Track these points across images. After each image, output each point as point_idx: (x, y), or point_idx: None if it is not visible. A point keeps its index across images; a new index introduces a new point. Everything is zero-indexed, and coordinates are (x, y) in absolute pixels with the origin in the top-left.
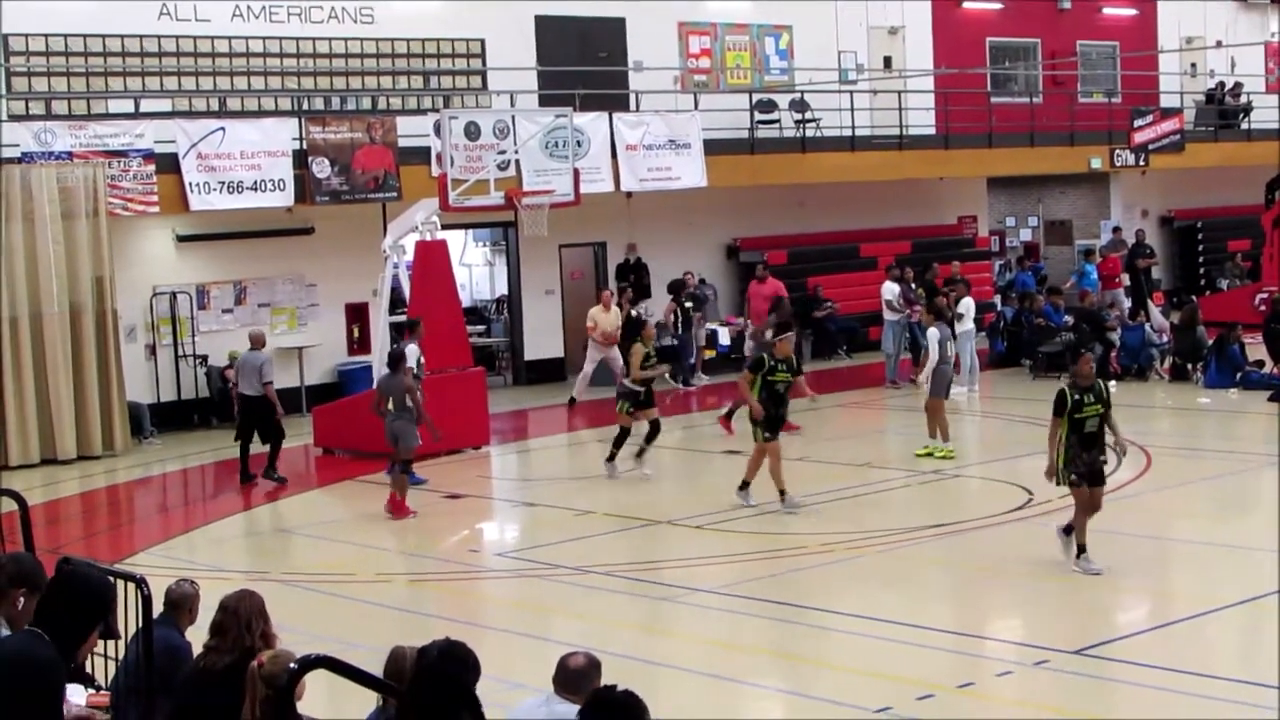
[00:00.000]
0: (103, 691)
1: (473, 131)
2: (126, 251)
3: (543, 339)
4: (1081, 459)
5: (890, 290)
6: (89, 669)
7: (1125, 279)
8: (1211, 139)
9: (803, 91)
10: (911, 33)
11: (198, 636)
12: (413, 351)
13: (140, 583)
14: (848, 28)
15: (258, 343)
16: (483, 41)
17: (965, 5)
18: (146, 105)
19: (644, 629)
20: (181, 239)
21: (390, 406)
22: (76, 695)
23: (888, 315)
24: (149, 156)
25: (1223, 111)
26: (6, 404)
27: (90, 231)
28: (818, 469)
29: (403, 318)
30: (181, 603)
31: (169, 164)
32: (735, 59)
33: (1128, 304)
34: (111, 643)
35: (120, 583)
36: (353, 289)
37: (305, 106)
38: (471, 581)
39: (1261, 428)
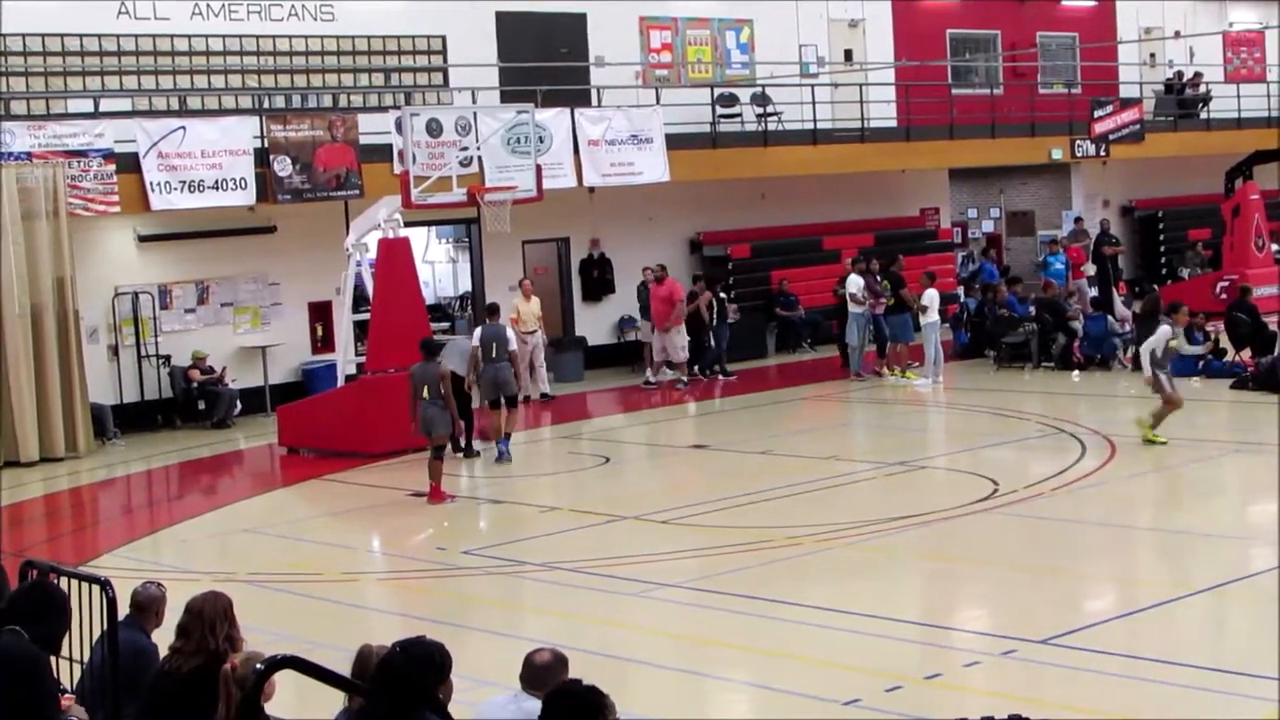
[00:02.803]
0: (68, 694)
1: (434, 128)
2: (88, 252)
3: None
4: None
5: (854, 283)
6: (55, 672)
7: (1091, 268)
8: (1171, 129)
9: (764, 85)
10: (872, 25)
11: (166, 638)
12: (513, 336)
13: (105, 585)
14: (808, 21)
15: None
16: (444, 38)
17: None
18: (106, 105)
19: (611, 624)
20: (143, 239)
21: (425, 395)
22: None
23: (852, 308)
24: (109, 156)
25: (1182, 101)
26: None
27: (51, 232)
28: (783, 462)
29: (366, 316)
30: (148, 605)
31: (129, 163)
32: (696, 53)
33: (1091, 293)
34: (77, 646)
35: (85, 585)
36: (316, 287)
37: (266, 105)
38: (438, 579)
39: (1224, 416)
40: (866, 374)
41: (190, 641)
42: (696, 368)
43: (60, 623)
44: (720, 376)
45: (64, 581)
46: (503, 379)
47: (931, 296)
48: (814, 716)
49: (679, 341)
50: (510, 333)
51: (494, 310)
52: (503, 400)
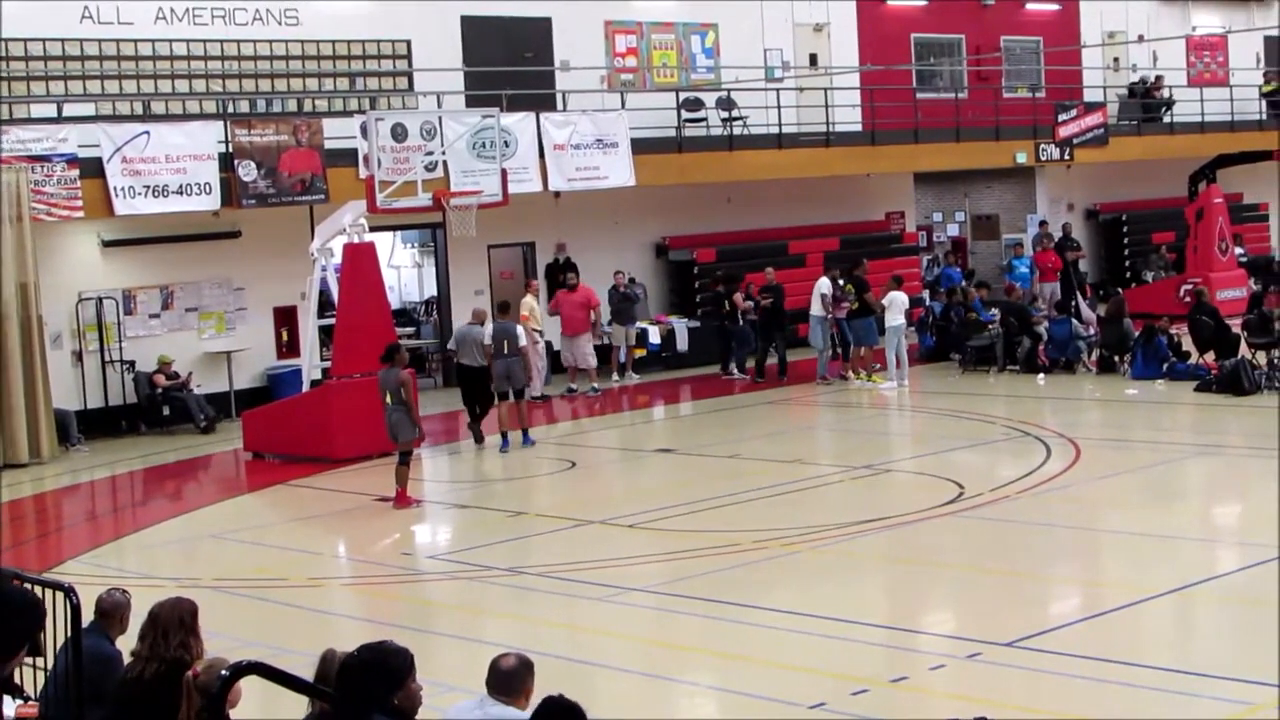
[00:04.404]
0: (31, 702)
1: (399, 133)
2: (51, 257)
3: None
4: None
5: (825, 286)
6: (17, 679)
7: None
8: (1135, 133)
9: (729, 89)
10: (836, 30)
11: (124, 644)
12: (522, 332)
13: (69, 592)
14: (773, 25)
15: (479, 318)
16: (408, 42)
17: (890, 2)
18: (70, 109)
19: (578, 629)
20: (107, 244)
21: (388, 400)
22: (6, 707)
23: (814, 311)
24: (73, 161)
25: (1145, 105)
26: None
27: (14, 237)
28: (749, 466)
29: (332, 321)
30: (112, 611)
31: (93, 168)
32: (662, 58)
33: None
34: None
35: (49, 592)
36: (281, 292)
37: (230, 109)
38: (404, 584)
39: (1188, 418)
40: (832, 377)
41: (145, 646)
42: (743, 365)
43: (12, 635)
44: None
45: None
46: (513, 373)
47: (894, 299)
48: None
49: (587, 349)
50: (520, 329)
51: (505, 308)
52: (511, 394)
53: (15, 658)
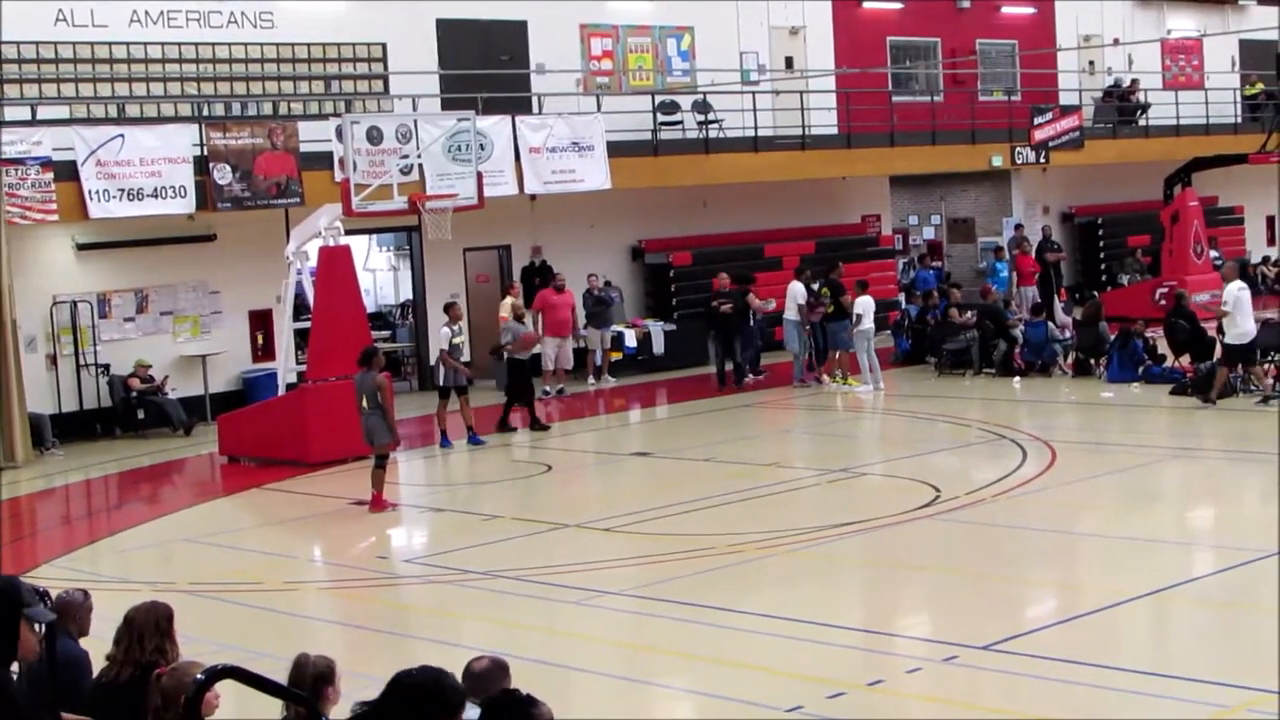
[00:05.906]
0: None
1: (375, 136)
2: (25, 260)
3: None
4: None
5: (798, 291)
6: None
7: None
8: (1110, 136)
9: (705, 92)
10: (812, 33)
11: (100, 648)
12: (445, 335)
13: (43, 596)
14: (749, 28)
15: (519, 314)
16: (384, 45)
17: (865, 5)
18: (44, 112)
19: (554, 632)
20: (81, 247)
21: (364, 404)
22: None
23: (789, 315)
24: (47, 164)
25: (1121, 108)
26: None
27: None
28: (725, 469)
29: (307, 324)
30: (65, 610)
31: (68, 171)
32: (637, 60)
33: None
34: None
35: None
36: (256, 296)
37: (205, 112)
38: (380, 588)
39: (1164, 421)
40: (809, 380)
41: (120, 650)
42: (755, 365)
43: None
44: (751, 375)
45: None
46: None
47: (864, 304)
48: None
49: (569, 351)
50: (446, 331)
51: (448, 308)
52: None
53: (12, 647)
